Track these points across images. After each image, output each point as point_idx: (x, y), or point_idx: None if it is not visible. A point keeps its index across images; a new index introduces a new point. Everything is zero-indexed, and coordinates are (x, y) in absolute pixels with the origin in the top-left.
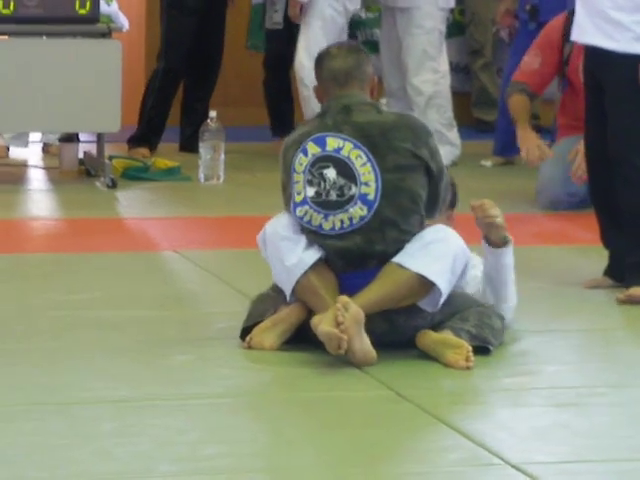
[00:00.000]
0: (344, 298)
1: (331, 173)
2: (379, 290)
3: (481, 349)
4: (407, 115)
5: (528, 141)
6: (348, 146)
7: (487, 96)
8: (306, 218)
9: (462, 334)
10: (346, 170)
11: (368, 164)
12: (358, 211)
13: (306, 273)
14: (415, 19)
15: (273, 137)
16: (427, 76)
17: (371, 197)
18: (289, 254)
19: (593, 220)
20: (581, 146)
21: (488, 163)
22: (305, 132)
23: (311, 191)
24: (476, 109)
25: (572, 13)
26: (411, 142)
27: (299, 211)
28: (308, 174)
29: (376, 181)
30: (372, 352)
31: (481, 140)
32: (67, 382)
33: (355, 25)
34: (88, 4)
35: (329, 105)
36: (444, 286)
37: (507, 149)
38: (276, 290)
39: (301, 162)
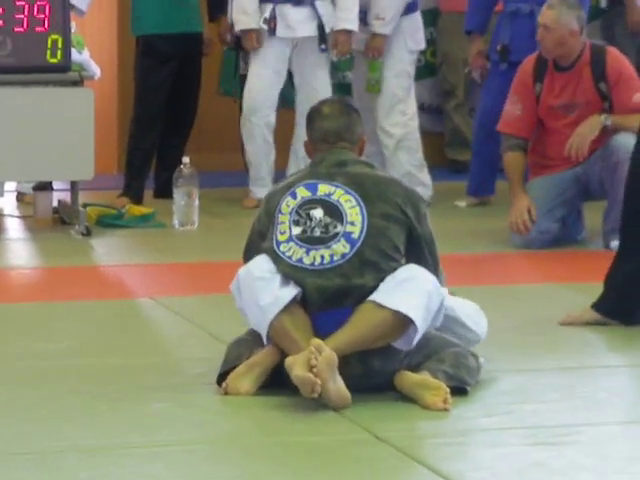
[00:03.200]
0: (316, 341)
1: (318, 213)
2: (353, 332)
3: (458, 389)
4: (401, 180)
5: (516, 208)
6: (339, 192)
7: (460, 136)
8: (288, 253)
9: (439, 374)
10: (333, 211)
11: (357, 207)
12: (340, 248)
13: (279, 316)
14: (385, 63)
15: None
16: (396, 118)
17: (355, 236)
18: (264, 293)
19: (566, 257)
20: (580, 128)
21: (462, 203)
22: (296, 179)
23: (297, 230)
24: (449, 149)
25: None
26: (401, 198)
27: (283, 247)
28: (295, 215)
29: (362, 222)
30: (347, 394)
31: (454, 180)
32: (43, 431)
33: (346, 89)
34: (59, 53)
35: (323, 157)
36: (420, 323)
37: (481, 189)
38: (252, 334)
39: (288, 204)
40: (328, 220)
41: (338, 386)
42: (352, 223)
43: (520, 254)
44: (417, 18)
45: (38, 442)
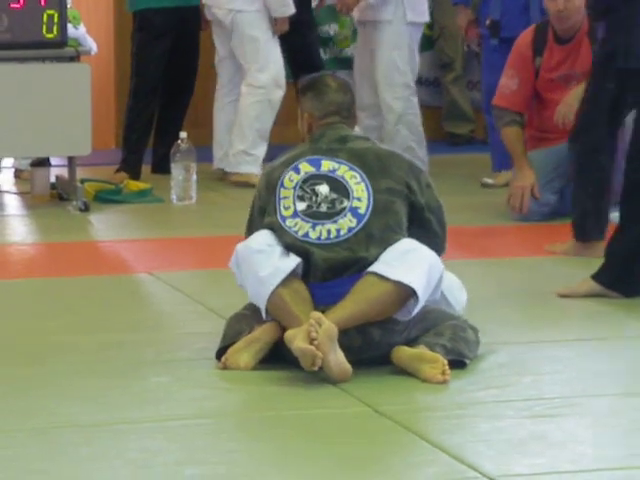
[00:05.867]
0: (317, 314)
1: (324, 189)
2: (353, 306)
3: (457, 363)
4: (401, 152)
5: (519, 184)
6: (344, 168)
7: (458, 109)
8: (295, 228)
9: (437, 348)
10: (339, 187)
11: (362, 183)
12: (347, 222)
13: (278, 289)
14: (385, 34)
15: None
16: (399, 92)
17: (362, 211)
18: (263, 265)
19: (564, 230)
20: (567, 97)
21: (490, 181)
22: (296, 154)
23: (302, 205)
24: (447, 122)
25: (540, 27)
26: (404, 171)
27: (289, 222)
28: (299, 190)
29: (368, 198)
30: (347, 367)
31: (452, 154)
32: (43, 407)
33: (324, 41)
34: (55, 28)
35: (323, 133)
36: (421, 293)
37: (506, 164)
38: (251, 309)
39: (292, 178)
40: (334, 196)
41: (339, 359)
42: (359, 199)
43: (518, 226)
44: None
45: (37, 418)
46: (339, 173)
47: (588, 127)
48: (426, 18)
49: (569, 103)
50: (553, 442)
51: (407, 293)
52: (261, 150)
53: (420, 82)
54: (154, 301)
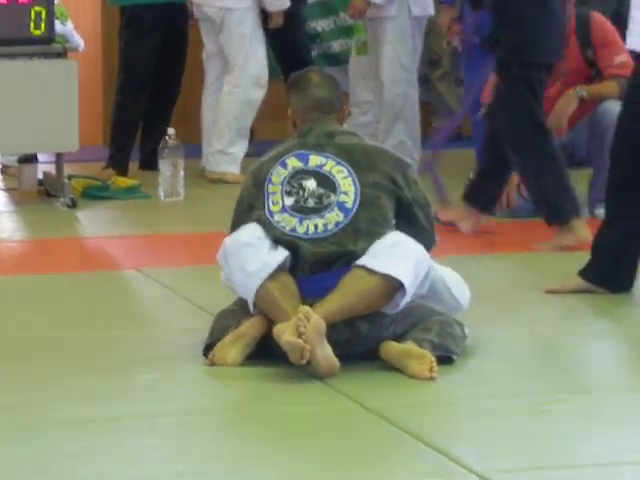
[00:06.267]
0: (305, 308)
1: (311, 184)
2: (341, 300)
3: (444, 358)
4: (388, 149)
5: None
6: (331, 163)
7: (446, 106)
8: (282, 223)
9: (425, 344)
10: (326, 182)
11: (349, 178)
12: (334, 216)
13: (265, 283)
14: (390, 29)
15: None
16: (401, 88)
17: (349, 205)
18: (252, 259)
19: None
20: (557, 104)
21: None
22: (284, 149)
23: (289, 200)
24: (435, 118)
25: None
26: (390, 167)
27: (277, 217)
28: (287, 185)
29: (355, 192)
30: (335, 362)
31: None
32: (31, 404)
33: (312, 38)
34: (43, 25)
35: (311, 128)
36: (408, 285)
37: None
38: (239, 304)
39: (279, 174)
40: (321, 191)
41: (327, 353)
42: (345, 193)
43: (505, 223)
44: None
45: (25, 415)
46: (326, 168)
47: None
48: (431, 11)
49: (560, 110)
50: (540, 438)
51: (395, 286)
52: (240, 148)
53: None
54: (142, 297)
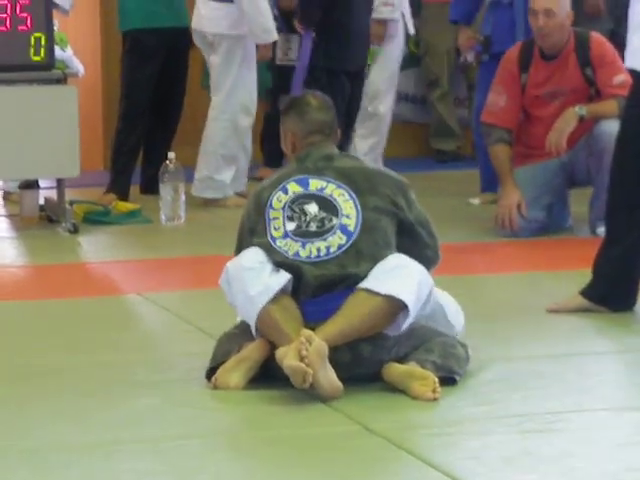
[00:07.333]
0: (307, 332)
1: (312, 208)
2: (343, 322)
3: (447, 379)
4: (386, 169)
5: (505, 203)
6: (331, 187)
7: (445, 126)
8: (284, 248)
9: (428, 365)
10: (328, 205)
11: (350, 201)
12: (337, 239)
13: (267, 307)
14: (392, 48)
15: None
16: (390, 102)
17: (351, 228)
18: (254, 283)
19: (553, 245)
20: (556, 123)
21: (476, 201)
22: (284, 174)
23: (291, 225)
24: (434, 139)
25: (527, 43)
26: (391, 189)
27: (279, 242)
28: (288, 210)
29: (357, 215)
30: (338, 384)
31: (440, 170)
32: (32, 427)
33: None
34: (43, 51)
35: (308, 152)
36: (411, 306)
37: (494, 185)
38: (241, 328)
39: (280, 199)
40: (323, 214)
41: (329, 376)
42: (347, 216)
43: (506, 243)
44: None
45: (26, 439)
46: (327, 192)
47: None
48: (413, 30)
49: (559, 129)
50: (544, 458)
51: (398, 307)
52: (227, 175)
53: (407, 99)
54: (144, 322)
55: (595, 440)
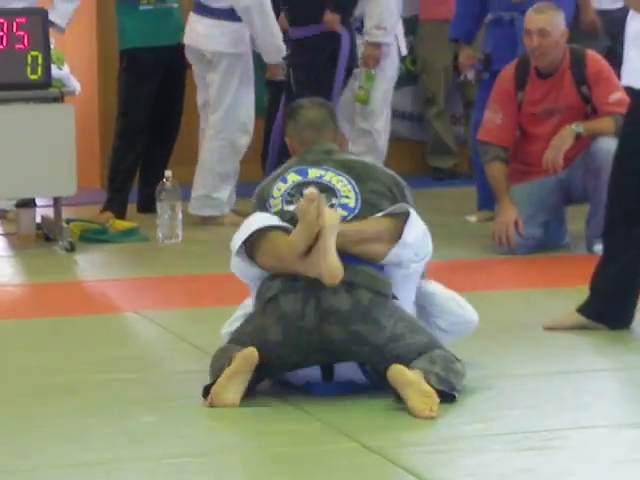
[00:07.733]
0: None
1: (311, 190)
2: (348, 224)
3: (446, 396)
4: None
5: (502, 220)
6: (330, 174)
7: (441, 144)
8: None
9: (431, 377)
10: (327, 189)
11: (349, 185)
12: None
13: (274, 230)
14: (386, 68)
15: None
16: (382, 121)
17: (351, 205)
18: (262, 219)
19: (550, 263)
20: (553, 140)
21: (473, 218)
22: (283, 168)
23: (290, 208)
24: (431, 157)
25: (522, 61)
26: (389, 180)
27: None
28: (287, 196)
29: (356, 197)
30: (339, 264)
31: (437, 188)
32: (31, 447)
33: None
34: (39, 69)
35: (309, 149)
36: (412, 236)
37: (490, 202)
38: (233, 341)
39: (279, 188)
40: (322, 195)
41: (333, 254)
42: (347, 196)
43: (503, 260)
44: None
45: (25, 459)
46: (326, 178)
47: None
48: (406, 51)
49: (556, 146)
50: (542, 475)
51: (400, 224)
52: (224, 194)
53: (403, 117)
54: (141, 340)
55: (593, 458)
